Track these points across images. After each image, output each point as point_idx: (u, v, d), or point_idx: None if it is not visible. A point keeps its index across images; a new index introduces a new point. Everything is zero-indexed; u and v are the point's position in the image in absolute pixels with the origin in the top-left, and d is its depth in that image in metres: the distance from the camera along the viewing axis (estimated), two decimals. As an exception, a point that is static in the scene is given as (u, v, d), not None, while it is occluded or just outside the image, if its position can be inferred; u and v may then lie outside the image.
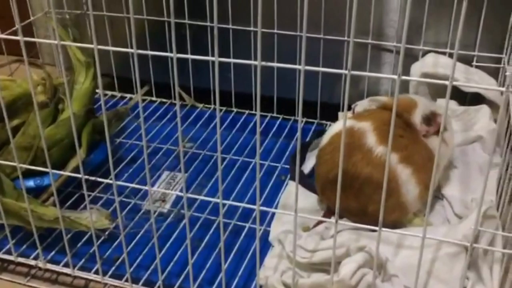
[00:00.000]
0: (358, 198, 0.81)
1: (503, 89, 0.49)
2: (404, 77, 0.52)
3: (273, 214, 0.90)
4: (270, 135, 1.12)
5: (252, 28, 1.10)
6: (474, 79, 0.94)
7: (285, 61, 0.58)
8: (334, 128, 0.88)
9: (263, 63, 0.55)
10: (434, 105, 0.89)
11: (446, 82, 0.51)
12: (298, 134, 0.59)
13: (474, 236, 0.56)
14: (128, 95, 1.25)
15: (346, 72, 0.53)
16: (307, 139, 1.09)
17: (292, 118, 1.16)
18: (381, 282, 0.68)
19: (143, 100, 1.22)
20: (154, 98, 1.23)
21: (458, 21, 1.00)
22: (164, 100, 1.23)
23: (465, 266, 0.61)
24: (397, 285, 0.68)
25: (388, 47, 1.07)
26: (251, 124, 1.15)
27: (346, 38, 1.06)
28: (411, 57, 1.06)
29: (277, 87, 1.12)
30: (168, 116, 1.19)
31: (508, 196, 0.73)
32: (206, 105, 1.20)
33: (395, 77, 0.52)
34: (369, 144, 0.80)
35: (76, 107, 0.93)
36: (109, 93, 1.26)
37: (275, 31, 1.09)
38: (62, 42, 0.62)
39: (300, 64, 0.54)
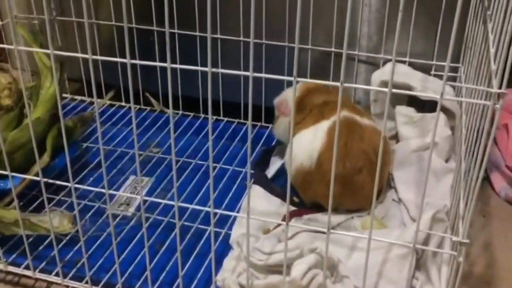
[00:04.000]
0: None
1: (438, 97, 0.52)
2: (346, 85, 0.55)
3: (235, 218, 0.92)
4: (236, 140, 1.14)
5: (219, 36, 1.13)
6: (431, 88, 0.97)
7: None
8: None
9: (214, 69, 0.57)
10: None
11: (386, 90, 0.53)
12: (249, 137, 0.61)
13: (416, 237, 0.59)
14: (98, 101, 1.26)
15: (292, 79, 0.55)
16: (273, 144, 1.11)
17: (259, 124, 1.18)
18: (332, 283, 0.70)
19: (112, 105, 1.24)
20: (123, 104, 1.25)
21: (416, 32, 1.03)
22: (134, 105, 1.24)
23: (410, 266, 0.64)
24: (348, 285, 0.70)
25: (351, 56, 1.10)
26: (218, 129, 1.17)
27: (308, 46, 1.09)
28: (373, 66, 1.10)
29: (244, 93, 1.14)
30: (136, 121, 1.20)
31: (457, 200, 0.75)
32: (175, 111, 1.22)
33: (338, 84, 0.54)
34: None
35: (41, 111, 0.94)
36: (78, 98, 1.27)
37: (242, 38, 1.11)
38: (20, 48, 0.63)
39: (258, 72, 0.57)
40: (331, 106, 0.92)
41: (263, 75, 0.60)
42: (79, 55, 0.63)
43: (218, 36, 1.12)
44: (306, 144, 0.89)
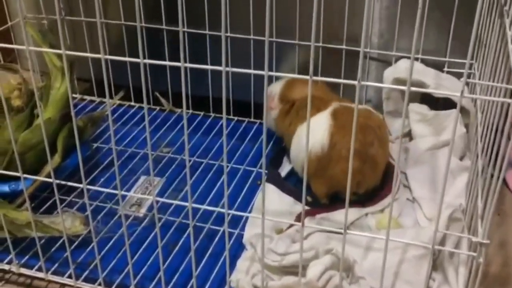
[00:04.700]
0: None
1: (458, 94, 0.51)
2: (364, 83, 0.54)
3: (247, 217, 0.91)
4: (247, 139, 1.14)
5: (229, 34, 1.12)
6: (444, 85, 0.96)
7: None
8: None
9: (228, 68, 0.56)
10: None
11: (404, 88, 0.52)
12: (264, 134, 0.60)
13: (434, 238, 0.58)
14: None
15: (308, 77, 0.54)
16: (284, 144, 1.10)
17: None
18: (348, 284, 0.69)
19: (121, 105, 1.23)
20: (133, 103, 1.24)
21: (429, 28, 1.02)
22: (142, 105, 1.23)
23: (428, 268, 0.62)
24: (364, 287, 0.69)
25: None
26: (229, 128, 1.16)
27: (319, 44, 1.08)
28: (385, 63, 1.08)
29: (254, 92, 1.14)
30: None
31: (474, 199, 0.74)
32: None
33: (355, 82, 0.54)
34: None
35: (52, 111, 0.94)
36: (88, 98, 1.27)
37: (252, 37, 1.10)
38: (32, 48, 0.62)
39: (269, 70, 0.56)
40: (320, 100, 0.94)
41: (277, 73, 0.60)
42: (92, 55, 0.62)
43: (229, 34, 1.11)
44: (311, 133, 0.89)
